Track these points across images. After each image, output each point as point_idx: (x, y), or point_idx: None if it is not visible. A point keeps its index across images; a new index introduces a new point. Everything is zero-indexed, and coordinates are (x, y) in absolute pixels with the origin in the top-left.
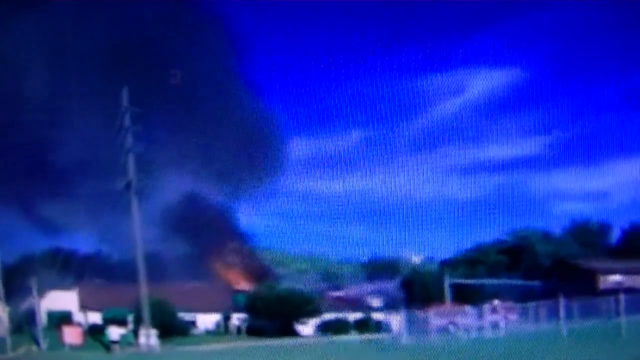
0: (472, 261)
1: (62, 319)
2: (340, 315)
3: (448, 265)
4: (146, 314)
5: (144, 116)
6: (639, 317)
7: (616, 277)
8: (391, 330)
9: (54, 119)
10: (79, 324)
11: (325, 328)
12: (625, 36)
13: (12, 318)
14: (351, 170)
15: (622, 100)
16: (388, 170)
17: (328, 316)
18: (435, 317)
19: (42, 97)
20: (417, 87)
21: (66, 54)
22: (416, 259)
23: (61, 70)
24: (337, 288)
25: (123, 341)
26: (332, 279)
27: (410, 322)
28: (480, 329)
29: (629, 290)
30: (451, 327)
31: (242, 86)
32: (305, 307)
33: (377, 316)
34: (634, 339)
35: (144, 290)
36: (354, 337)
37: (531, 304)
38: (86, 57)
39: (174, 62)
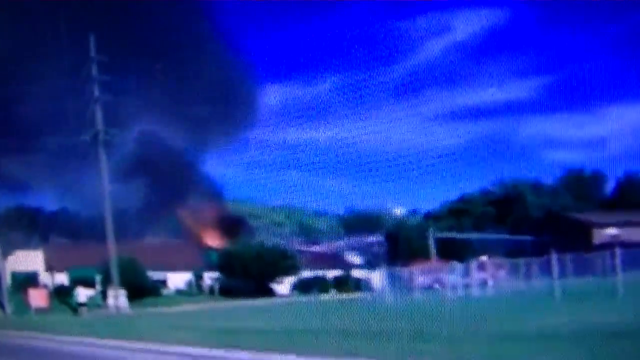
0: (459, 212)
1: (27, 280)
2: (319, 272)
3: (433, 217)
4: (115, 273)
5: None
6: (637, 273)
7: (612, 231)
8: (373, 289)
9: (12, 71)
10: (45, 286)
11: (302, 287)
12: None
13: None
14: (330, 119)
15: (615, 42)
16: (368, 118)
17: (306, 274)
18: (419, 275)
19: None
20: (397, 29)
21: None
22: (399, 212)
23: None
24: (315, 243)
25: (91, 303)
26: (309, 233)
27: (394, 280)
28: (467, 287)
29: (625, 245)
30: (437, 285)
31: (212, 33)
32: (281, 264)
33: (358, 274)
34: (631, 298)
35: (112, 248)
36: (333, 296)
37: (521, 260)
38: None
39: (143, 12)
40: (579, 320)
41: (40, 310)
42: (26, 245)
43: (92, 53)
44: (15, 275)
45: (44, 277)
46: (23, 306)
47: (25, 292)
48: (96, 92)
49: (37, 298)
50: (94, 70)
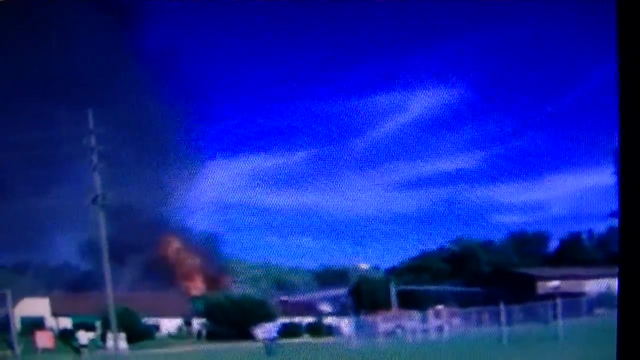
0: (418, 268)
1: (34, 324)
2: (294, 319)
3: (394, 272)
4: (113, 319)
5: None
6: (575, 320)
7: (553, 283)
8: (341, 334)
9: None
10: (51, 329)
11: (279, 332)
12: (555, 60)
13: None
14: (303, 186)
15: (555, 117)
16: (336, 186)
17: (282, 320)
18: (382, 322)
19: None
20: (359, 107)
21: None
22: (364, 267)
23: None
24: (290, 294)
25: (92, 345)
26: (285, 286)
27: (359, 327)
28: (425, 332)
29: (565, 295)
30: (398, 331)
31: (195, 103)
32: (259, 312)
33: (328, 321)
34: (570, 342)
35: (110, 297)
36: (306, 340)
37: (473, 309)
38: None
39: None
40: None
41: (46, 351)
42: (33, 293)
43: (91, 125)
44: (23, 320)
45: (50, 321)
46: (30, 347)
47: (32, 335)
48: (95, 160)
49: (44, 340)
50: (93, 141)
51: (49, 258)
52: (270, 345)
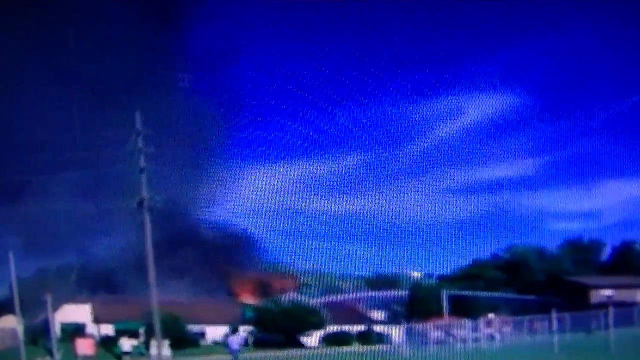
0: (470, 276)
1: (75, 331)
2: (344, 327)
3: (447, 280)
4: (157, 326)
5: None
6: (627, 330)
7: (606, 292)
8: (392, 342)
9: (66, 141)
10: (92, 336)
11: (329, 340)
12: (611, 67)
13: (27, 330)
14: (355, 192)
15: (610, 124)
16: (388, 192)
17: (332, 328)
18: (434, 330)
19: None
20: (414, 112)
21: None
22: (416, 275)
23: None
24: (341, 302)
25: (135, 352)
26: (335, 293)
27: (410, 334)
28: (476, 340)
29: (618, 304)
30: (449, 339)
31: (244, 108)
32: (309, 319)
33: (378, 328)
34: (621, 352)
35: (155, 303)
36: (357, 348)
37: (525, 318)
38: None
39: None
40: None
41: (86, 358)
42: (75, 298)
43: (139, 126)
44: (64, 327)
45: (91, 328)
46: (70, 354)
47: (72, 342)
48: (142, 163)
49: (84, 347)
50: (140, 143)
51: (91, 262)
52: (235, 358)
